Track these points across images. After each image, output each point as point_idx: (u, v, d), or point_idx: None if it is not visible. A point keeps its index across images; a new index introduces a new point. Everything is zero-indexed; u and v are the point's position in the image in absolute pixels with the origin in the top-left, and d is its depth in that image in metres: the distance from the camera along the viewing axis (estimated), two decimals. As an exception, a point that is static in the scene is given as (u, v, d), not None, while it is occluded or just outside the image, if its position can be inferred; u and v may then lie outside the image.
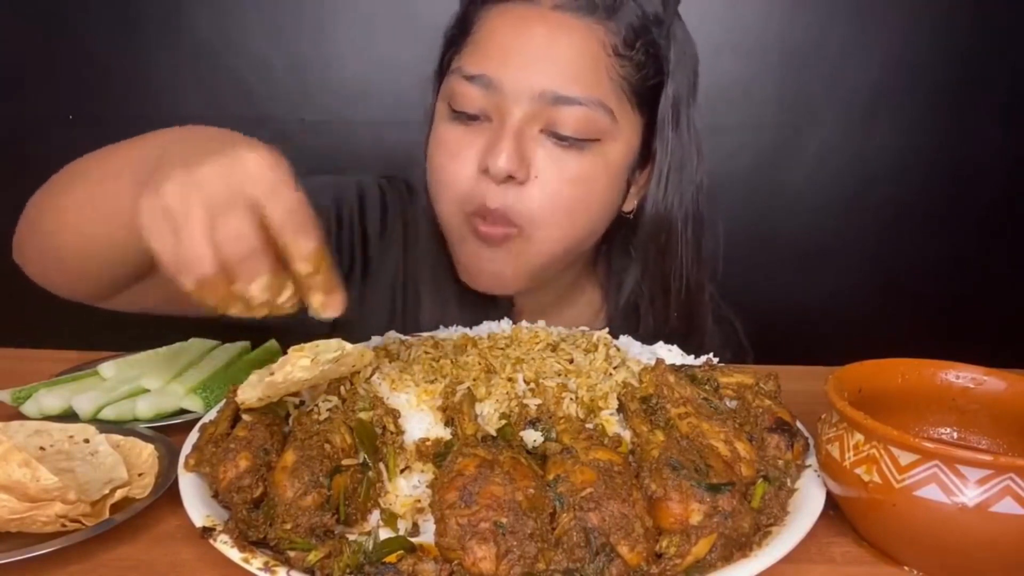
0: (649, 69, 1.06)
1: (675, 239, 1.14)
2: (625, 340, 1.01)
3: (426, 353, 0.90)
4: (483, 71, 1.02)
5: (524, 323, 1.02)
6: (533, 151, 1.02)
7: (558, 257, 1.10)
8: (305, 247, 0.66)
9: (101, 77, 2.00)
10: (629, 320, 1.19)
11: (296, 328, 1.16)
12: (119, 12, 1.97)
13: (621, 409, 0.81)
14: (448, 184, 1.06)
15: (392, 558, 0.64)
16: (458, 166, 1.04)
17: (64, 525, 0.69)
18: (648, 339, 1.03)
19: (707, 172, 1.15)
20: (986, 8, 2.01)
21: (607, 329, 0.99)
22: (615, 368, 0.87)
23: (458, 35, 1.09)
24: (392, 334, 1.01)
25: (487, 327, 1.04)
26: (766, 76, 2.05)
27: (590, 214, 1.08)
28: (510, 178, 1.01)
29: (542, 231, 1.04)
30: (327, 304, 0.70)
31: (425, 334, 1.05)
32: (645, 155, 1.11)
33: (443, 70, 1.12)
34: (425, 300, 1.20)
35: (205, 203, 0.65)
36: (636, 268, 1.18)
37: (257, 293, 0.66)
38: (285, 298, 0.68)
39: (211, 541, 0.65)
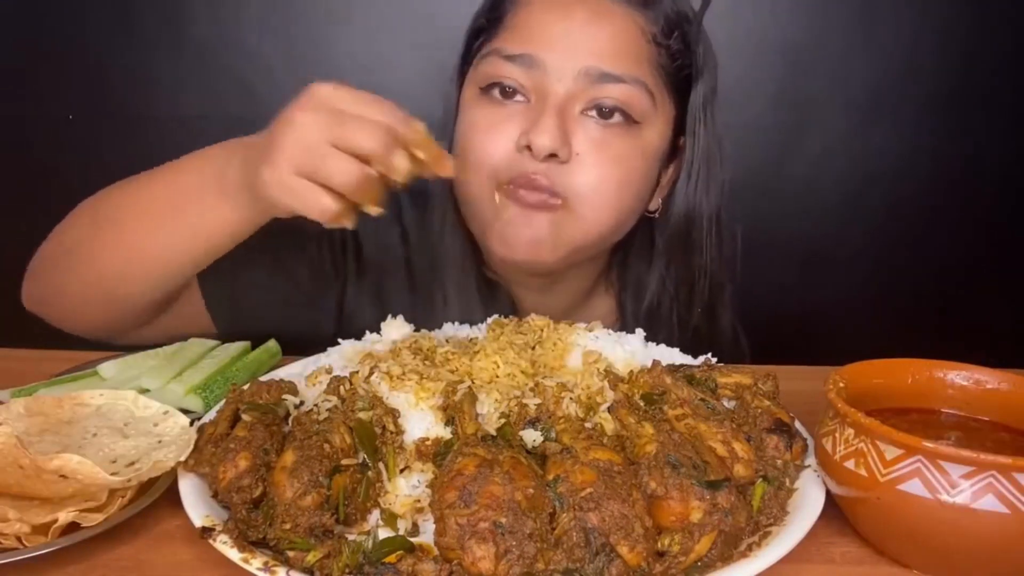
0: (683, 60, 1.08)
1: (701, 235, 1.15)
2: (602, 332, 0.97)
3: (426, 355, 0.90)
4: (525, 50, 1.03)
5: (534, 315, 1.01)
6: (574, 131, 1.02)
7: (598, 239, 1.10)
8: (413, 128, 0.82)
9: (101, 77, 2.00)
10: (652, 323, 1.18)
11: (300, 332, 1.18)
12: (119, 12, 1.97)
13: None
14: (481, 162, 1.05)
15: (392, 558, 0.64)
16: (493, 144, 1.04)
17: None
18: (671, 342, 1.02)
19: (729, 173, 1.17)
20: (987, 9, 2.01)
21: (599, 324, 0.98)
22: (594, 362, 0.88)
23: (487, 23, 1.10)
24: (399, 325, 1.00)
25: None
26: (767, 78, 2.05)
27: (631, 196, 1.09)
28: (552, 157, 1.01)
29: (588, 208, 1.04)
30: (442, 161, 0.85)
31: (424, 332, 1.04)
32: (671, 152, 1.13)
33: (468, 61, 1.13)
34: (440, 297, 1.19)
35: (323, 135, 0.79)
36: (659, 266, 1.18)
37: (402, 163, 0.81)
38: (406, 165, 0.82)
39: (211, 541, 0.65)
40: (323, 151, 0.79)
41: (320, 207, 0.81)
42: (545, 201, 1.03)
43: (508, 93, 1.04)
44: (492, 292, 1.19)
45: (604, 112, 1.03)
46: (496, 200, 1.05)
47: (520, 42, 1.04)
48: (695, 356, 0.99)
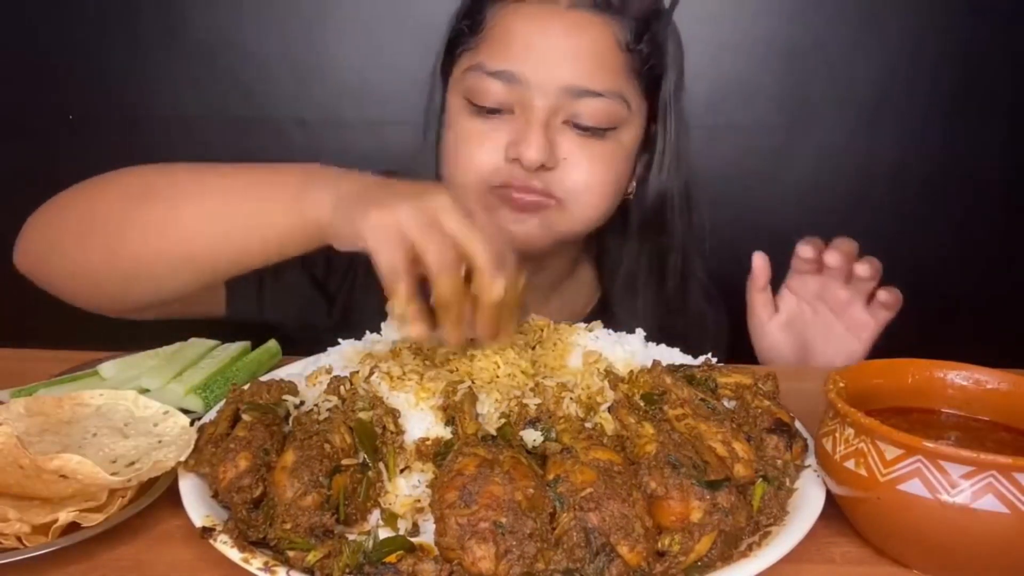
0: (653, 59, 1.14)
1: (673, 213, 1.22)
2: (602, 332, 0.98)
3: (426, 355, 0.90)
4: (506, 67, 1.07)
5: (534, 315, 1.01)
6: (558, 139, 1.08)
7: (585, 229, 1.18)
8: (495, 287, 0.76)
9: (101, 77, 1.99)
10: (628, 294, 1.26)
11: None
12: (118, 12, 1.97)
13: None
14: (473, 170, 1.11)
15: (392, 558, 0.63)
16: (484, 156, 1.09)
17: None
18: (647, 311, 1.13)
19: (690, 153, 1.24)
20: (989, 7, 2.01)
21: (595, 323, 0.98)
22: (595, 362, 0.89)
23: (467, 31, 1.13)
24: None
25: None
26: (768, 76, 2.05)
27: (616, 190, 1.16)
28: (540, 167, 1.06)
29: (580, 205, 1.11)
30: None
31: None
32: (645, 140, 1.19)
33: (449, 64, 1.16)
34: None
35: (431, 224, 0.75)
36: (634, 244, 1.25)
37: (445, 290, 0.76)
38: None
39: (211, 541, 0.65)
40: (434, 228, 0.76)
41: (393, 262, 0.77)
42: (540, 202, 1.10)
43: (492, 109, 1.09)
44: None
45: (583, 126, 1.08)
46: (487, 202, 1.10)
47: (501, 58, 1.08)
48: (674, 331, 1.04)
